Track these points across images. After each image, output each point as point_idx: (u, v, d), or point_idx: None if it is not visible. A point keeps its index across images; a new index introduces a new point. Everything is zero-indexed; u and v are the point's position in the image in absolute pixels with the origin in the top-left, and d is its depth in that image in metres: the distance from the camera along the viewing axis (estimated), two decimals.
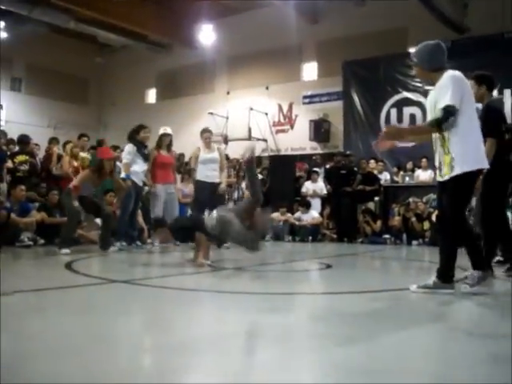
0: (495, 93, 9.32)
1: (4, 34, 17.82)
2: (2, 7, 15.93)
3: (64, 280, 5.04)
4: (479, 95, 5.46)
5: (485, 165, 4.21)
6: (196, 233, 6.40)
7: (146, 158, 9.21)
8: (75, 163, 10.55)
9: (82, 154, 10.68)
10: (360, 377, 2.16)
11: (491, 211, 5.58)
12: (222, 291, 4.67)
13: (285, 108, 17.73)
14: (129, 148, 9.12)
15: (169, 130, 9.47)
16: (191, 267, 6.68)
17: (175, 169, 9.71)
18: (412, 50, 4.71)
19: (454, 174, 4.11)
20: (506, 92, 12.97)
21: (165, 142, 9.37)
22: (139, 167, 9.10)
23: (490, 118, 5.33)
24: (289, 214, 13.21)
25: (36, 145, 11.92)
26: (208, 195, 9.08)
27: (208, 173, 9.12)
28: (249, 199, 6.57)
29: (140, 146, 9.14)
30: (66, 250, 7.64)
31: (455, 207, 4.23)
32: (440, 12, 12.96)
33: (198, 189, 9.34)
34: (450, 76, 4.18)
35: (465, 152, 4.10)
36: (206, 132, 9.55)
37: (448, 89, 4.10)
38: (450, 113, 4.05)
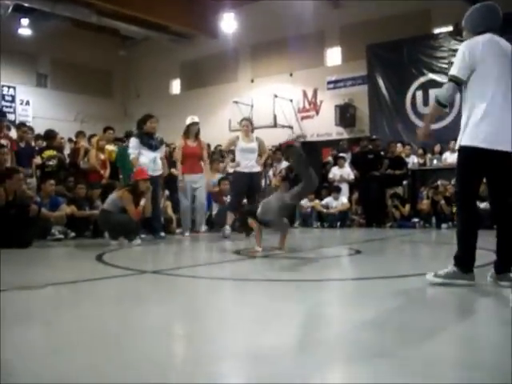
0: None
1: (28, 31, 17.99)
2: (26, 4, 16.08)
3: (95, 272, 5.08)
4: None
5: (484, 144, 3.70)
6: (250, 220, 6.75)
7: (153, 147, 9.00)
8: (102, 156, 10.63)
9: (109, 147, 10.75)
10: (388, 361, 2.15)
11: None
12: (252, 280, 4.67)
13: (309, 94, 17.66)
14: (132, 142, 9.00)
15: (196, 119, 9.37)
16: (219, 256, 6.73)
17: (204, 158, 9.56)
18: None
19: (456, 145, 3.94)
20: None
21: (192, 131, 9.28)
22: (146, 158, 8.88)
23: None
24: (316, 201, 13.15)
25: (62, 138, 12.04)
26: (246, 185, 9.04)
27: (246, 162, 9.05)
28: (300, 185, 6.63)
29: (144, 137, 8.95)
30: (114, 242, 8.03)
31: (457, 183, 4.05)
32: None
33: (236, 178, 9.31)
34: (462, 45, 3.91)
35: (465, 125, 3.82)
36: (244, 120, 9.47)
37: (456, 59, 3.89)
38: (448, 81, 3.85)
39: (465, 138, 3.81)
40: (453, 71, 3.87)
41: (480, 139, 3.73)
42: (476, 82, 3.82)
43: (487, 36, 3.89)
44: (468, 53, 3.83)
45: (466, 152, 3.83)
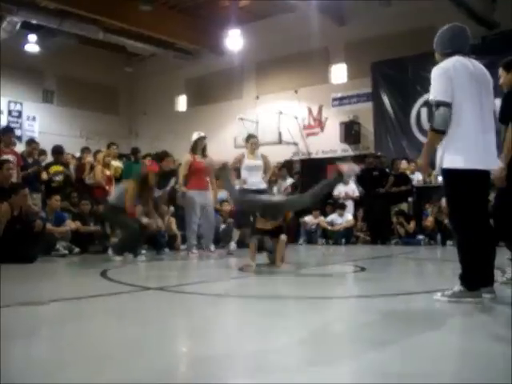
0: None
1: (35, 48, 18.11)
2: (33, 21, 16.20)
3: (100, 288, 5.07)
4: (508, 82, 4.97)
5: (465, 165, 3.82)
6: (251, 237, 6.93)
7: (160, 187, 9.32)
8: (108, 172, 10.67)
9: (114, 163, 10.80)
10: (393, 380, 2.14)
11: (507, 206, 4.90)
12: (256, 297, 4.66)
13: (314, 111, 17.66)
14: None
15: (202, 134, 9.31)
16: (225, 273, 6.72)
17: (211, 174, 9.49)
18: None
19: (437, 169, 4.04)
20: None
21: (200, 146, 9.19)
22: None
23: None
24: (321, 218, 13.16)
25: (67, 154, 12.10)
26: None
27: (252, 179, 9.05)
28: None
29: (159, 175, 9.15)
30: (118, 258, 7.90)
31: (447, 206, 4.16)
32: (468, 8, 12.78)
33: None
34: (434, 70, 3.97)
35: (446, 148, 3.91)
36: (252, 137, 9.43)
37: (432, 83, 3.95)
38: (436, 107, 3.86)
39: (446, 161, 3.90)
40: (437, 96, 3.89)
41: (459, 161, 3.83)
42: (454, 106, 3.87)
43: (454, 58, 3.98)
44: (444, 75, 3.90)
45: (449, 175, 3.94)
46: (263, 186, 9.14)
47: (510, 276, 4.90)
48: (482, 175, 3.93)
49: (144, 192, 8.18)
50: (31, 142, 10.97)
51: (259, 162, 9.14)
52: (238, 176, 9.38)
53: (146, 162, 8.56)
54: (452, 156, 3.87)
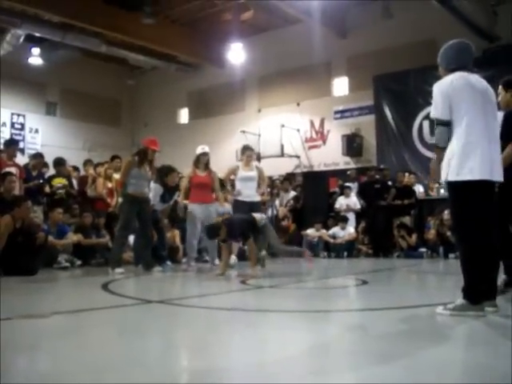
0: None
1: (39, 60, 18.18)
2: (37, 34, 16.28)
3: (101, 301, 5.07)
4: (506, 101, 5.09)
5: (469, 176, 3.83)
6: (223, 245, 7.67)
7: (165, 201, 9.61)
8: (109, 185, 10.68)
9: (116, 176, 10.80)
10: None
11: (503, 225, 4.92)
12: (258, 310, 4.65)
13: (316, 124, 17.68)
14: (157, 190, 9.37)
15: (206, 149, 9.25)
16: (226, 286, 6.71)
17: (215, 188, 9.43)
18: None
19: (442, 180, 4.06)
20: None
21: (202, 161, 9.16)
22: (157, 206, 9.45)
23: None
24: (323, 231, 13.13)
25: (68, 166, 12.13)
26: (246, 214, 9.00)
27: (246, 191, 9.00)
28: None
29: (164, 189, 9.45)
30: (119, 270, 7.87)
31: (452, 218, 4.20)
32: (469, 21, 12.83)
33: (236, 207, 9.22)
34: (434, 86, 4.04)
35: (449, 161, 3.92)
36: (248, 150, 9.32)
37: (433, 99, 4.03)
38: (436, 125, 3.98)
39: (451, 174, 3.91)
40: (436, 114, 3.98)
41: (465, 173, 3.85)
42: (454, 119, 3.93)
43: (458, 74, 4.03)
44: (442, 93, 3.96)
45: (454, 187, 3.95)
46: (257, 198, 9.08)
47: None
48: (488, 186, 3.94)
49: (143, 165, 8.38)
50: (37, 155, 10.95)
51: (253, 174, 9.08)
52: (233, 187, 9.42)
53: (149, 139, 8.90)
54: (457, 169, 3.88)
